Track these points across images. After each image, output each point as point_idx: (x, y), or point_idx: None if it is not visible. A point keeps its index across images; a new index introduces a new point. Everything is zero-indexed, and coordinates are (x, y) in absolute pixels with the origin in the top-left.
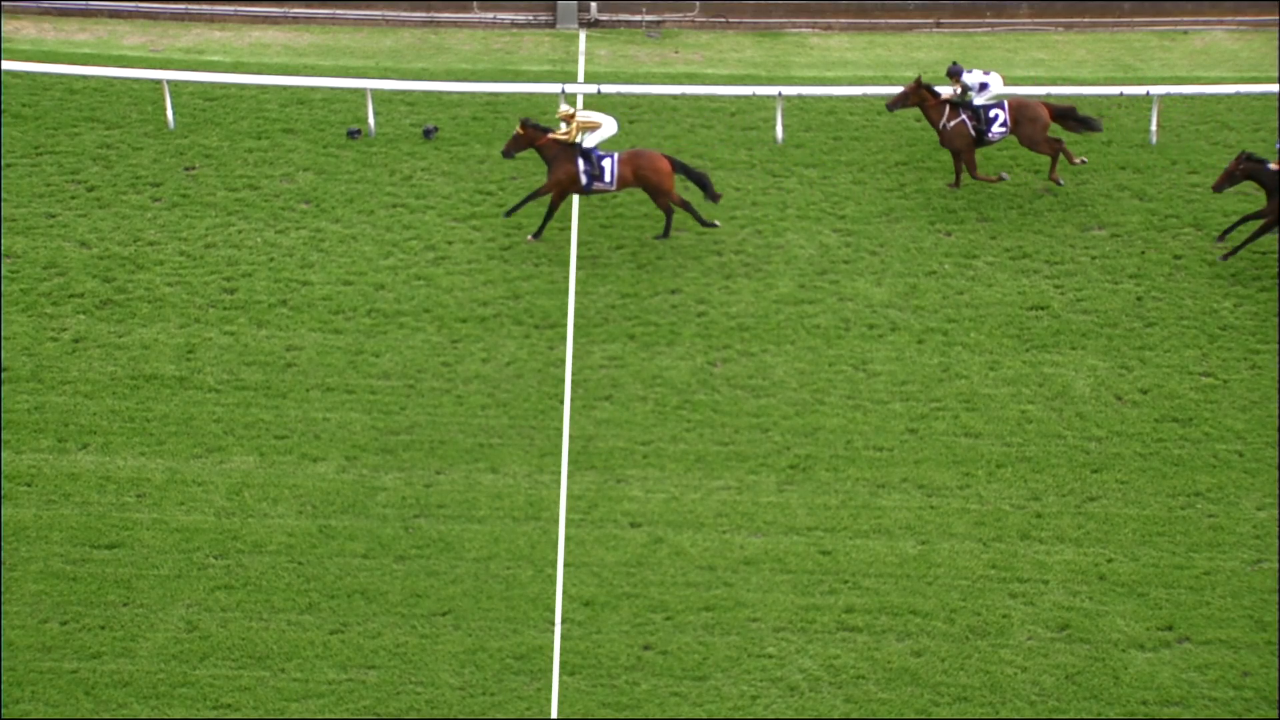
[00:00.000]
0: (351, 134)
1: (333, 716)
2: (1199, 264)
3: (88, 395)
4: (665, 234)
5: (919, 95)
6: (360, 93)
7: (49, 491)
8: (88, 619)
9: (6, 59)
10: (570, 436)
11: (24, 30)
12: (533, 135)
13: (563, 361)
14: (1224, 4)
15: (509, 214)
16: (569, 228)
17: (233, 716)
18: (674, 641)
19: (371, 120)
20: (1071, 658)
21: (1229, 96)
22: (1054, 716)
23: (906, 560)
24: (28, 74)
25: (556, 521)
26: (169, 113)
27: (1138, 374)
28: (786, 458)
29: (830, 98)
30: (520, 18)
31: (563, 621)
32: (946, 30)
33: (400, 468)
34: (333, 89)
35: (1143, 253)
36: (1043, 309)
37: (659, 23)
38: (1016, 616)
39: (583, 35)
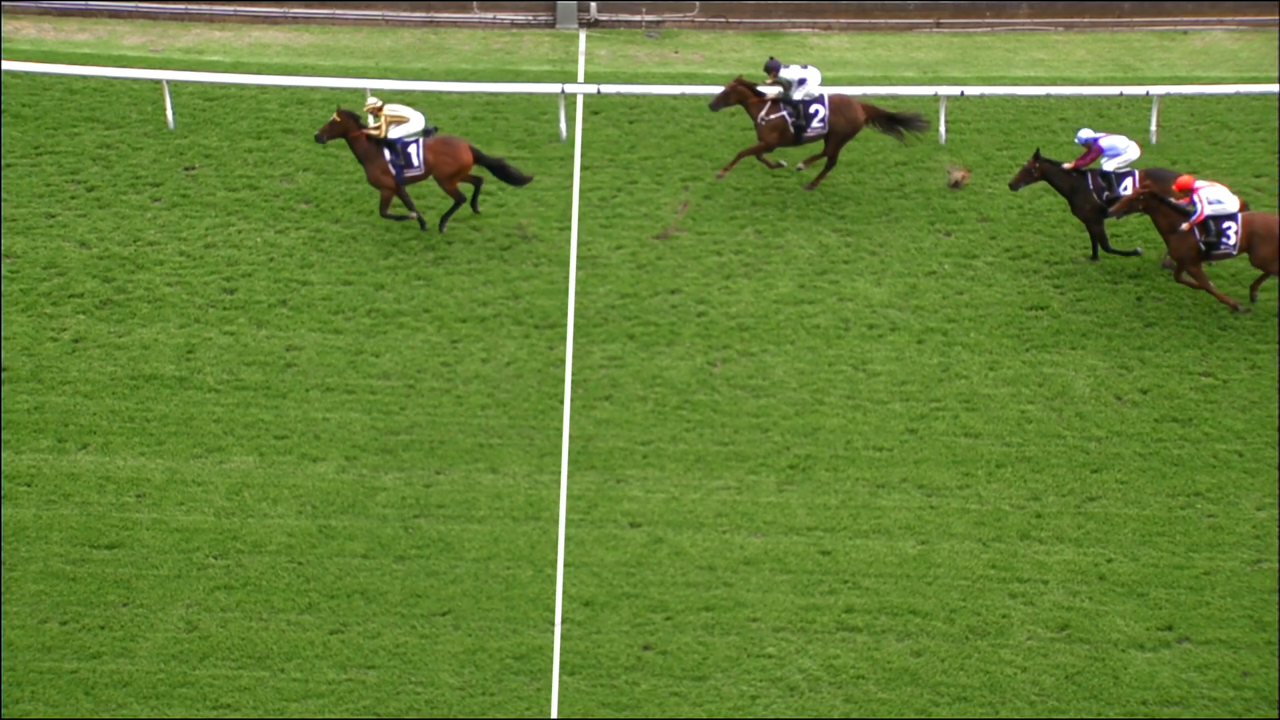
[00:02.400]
0: None
1: (333, 716)
2: None
3: (88, 395)
4: (440, 223)
5: (740, 93)
6: (360, 93)
7: (49, 491)
8: (88, 619)
9: (6, 59)
10: (570, 436)
11: (24, 30)
12: (347, 125)
13: (563, 361)
14: (1224, 4)
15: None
16: (569, 228)
17: (233, 716)
18: (674, 641)
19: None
20: (1071, 658)
21: (1229, 96)
22: (1054, 716)
23: (906, 560)
24: (28, 74)
25: (556, 521)
26: (169, 113)
27: (1138, 374)
28: (786, 458)
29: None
30: (520, 18)
31: (563, 621)
32: (946, 30)
33: (400, 468)
34: (333, 89)
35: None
36: (1043, 309)
37: (659, 23)
38: (1016, 616)
39: (583, 35)
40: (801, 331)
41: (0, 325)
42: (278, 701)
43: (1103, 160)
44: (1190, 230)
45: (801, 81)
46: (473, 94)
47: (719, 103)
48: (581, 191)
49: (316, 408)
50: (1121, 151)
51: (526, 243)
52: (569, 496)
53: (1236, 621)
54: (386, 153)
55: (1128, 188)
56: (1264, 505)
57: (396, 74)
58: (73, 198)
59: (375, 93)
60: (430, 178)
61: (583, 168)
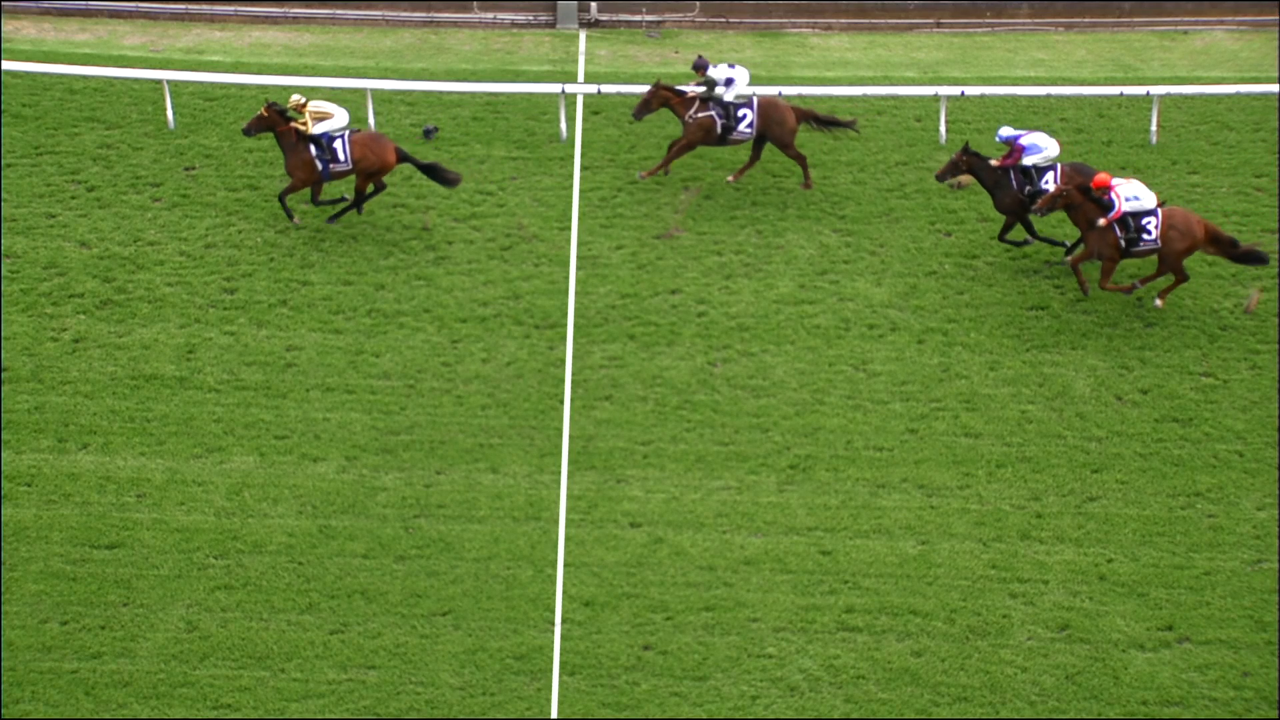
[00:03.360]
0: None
1: (333, 716)
2: (1199, 264)
3: (88, 395)
4: (348, 211)
5: (662, 97)
6: (360, 93)
7: (49, 491)
8: (88, 619)
9: (6, 59)
10: (570, 436)
11: (24, 30)
12: (274, 120)
13: (563, 361)
14: (1224, 4)
15: (291, 215)
16: (569, 228)
17: (233, 716)
18: (674, 641)
19: (372, 120)
20: (1071, 658)
21: (1229, 96)
22: (1054, 716)
23: (906, 560)
24: (28, 74)
25: (556, 521)
26: (169, 113)
27: (1138, 374)
28: (786, 458)
29: (830, 98)
30: (520, 18)
31: (563, 621)
32: (946, 30)
33: (400, 468)
34: (333, 89)
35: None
36: (1043, 309)
37: (659, 23)
38: (1016, 616)
39: (583, 35)
40: (801, 331)
41: (0, 325)
42: (278, 701)
43: (1024, 157)
44: (1109, 226)
45: (729, 81)
46: (473, 94)
47: (641, 110)
48: (581, 191)
49: (317, 408)
50: (1043, 149)
51: (527, 243)
52: (569, 496)
53: (1236, 621)
54: (312, 148)
55: (1050, 182)
56: (1264, 505)
57: (396, 74)
58: (73, 198)
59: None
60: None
61: (583, 168)
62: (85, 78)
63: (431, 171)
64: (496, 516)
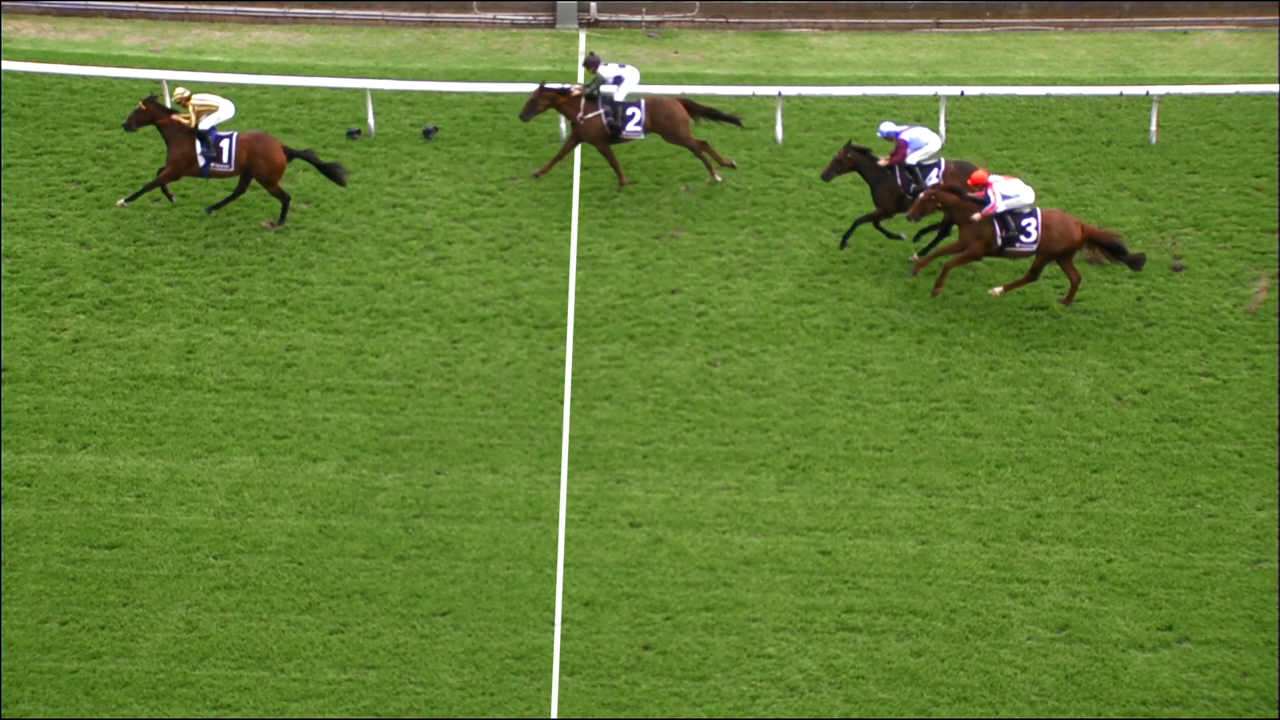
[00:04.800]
0: (351, 134)
1: (333, 716)
2: (1199, 264)
3: (88, 395)
4: (280, 220)
5: (549, 96)
6: (360, 93)
7: (49, 491)
8: (88, 619)
9: (6, 59)
10: (570, 436)
11: (24, 30)
12: (154, 112)
13: (563, 361)
14: (1224, 4)
15: (130, 199)
16: (569, 228)
17: (233, 716)
18: (674, 641)
19: (371, 120)
20: (1071, 658)
21: (1229, 96)
22: (1054, 716)
23: (906, 560)
24: (28, 74)
25: (556, 521)
26: None
27: (1138, 374)
28: (786, 458)
29: (830, 98)
30: (520, 18)
31: (563, 621)
32: (946, 30)
33: (400, 468)
34: (333, 89)
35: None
36: (1043, 309)
37: (659, 23)
38: (1016, 616)
39: (583, 35)
40: (801, 331)
41: (0, 325)
42: (278, 701)
43: (909, 154)
44: (986, 220)
45: (618, 80)
46: (473, 94)
47: (528, 112)
48: (581, 191)
49: (316, 408)
50: (924, 144)
51: (526, 243)
52: (569, 496)
53: (1236, 621)
54: (198, 144)
55: (933, 179)
56: (1264, 505)
57: (396, 74)
58: (73, 198)
59: (194, 84)
60: (243, 177)
61: (583, 168)
62: (85, 78)
63: (323, 168)
64: (496, 516)
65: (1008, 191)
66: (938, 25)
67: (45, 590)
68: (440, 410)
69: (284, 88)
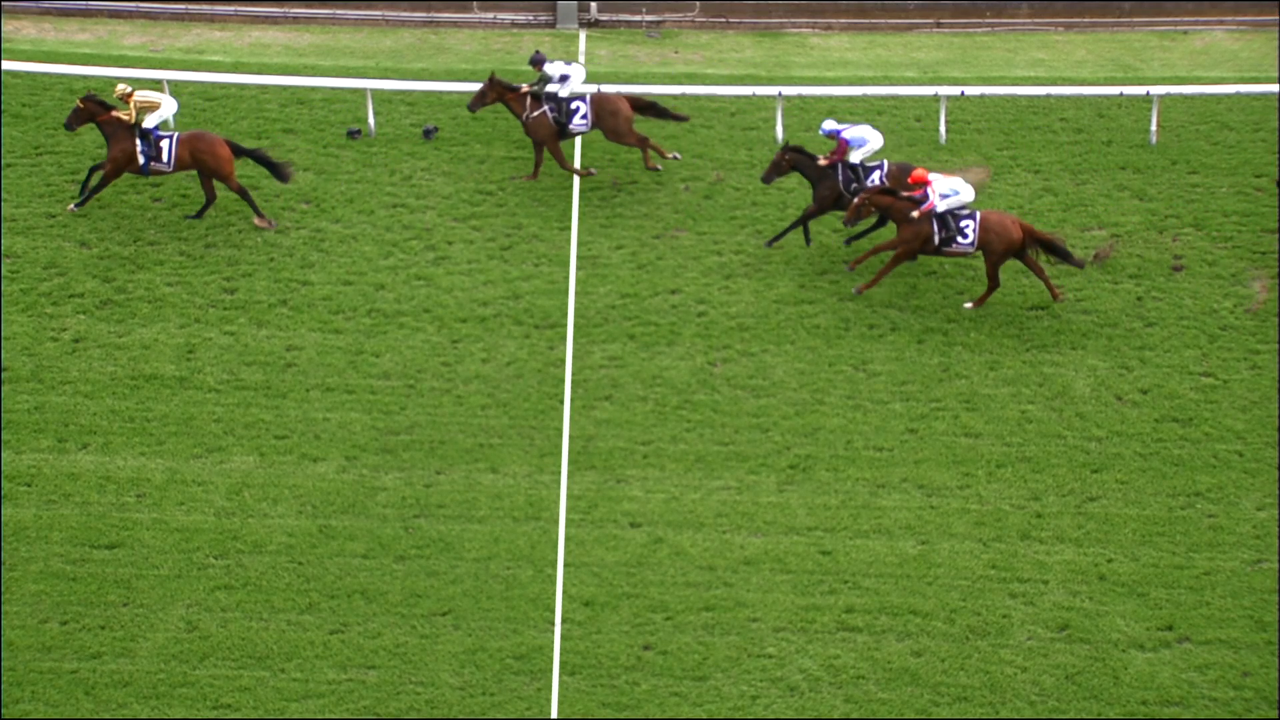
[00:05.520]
0: (351, 134)
1: (333, 716)
2: (1199, 264)
3: (88, 395)
4: (199, 215)
5: (496, 91)
6: (360, 93)
7: (49, 491)
8: (88, 619)
9: (6, 59)
10: (570, 436)
11: (24, 30)
12: (93, 110)
13: (563, 361)
14: (1224, 4)
15: (80, 204)
16: (569, 228)
17: (233, 716)
18: (674, 641)
19: (371, 120)
20: (1071, 658)
21: (1229, 96)
22: (1054, 716)
23: (906, 560)
24: (28, 74)
25: (556, 521)
26: None
27: (1138, 374)
28: (786, 458)
29: (830, 98)
30: (520, 18)
31: (563, 621)
32: (946, 30)
33: (400, 468)
34: (333, 89)
35: (1141, 254)
36: (1043, 309)
37: (659, 23)
38: (1016, 616)
39: (583, 35)
40: (801, 331)
41: (0, 325)
42: (278, 701)
43: (850, 153)
44: (925, 219)
45: (564, 78)
46: (473, 94)
47: (476, 103)
48: (581, 191)
49: (316, 408)
50: (866, 142)
51: (526, 243)
52: (569, 496)
53: (1236, 621)
54: (139, 142)
55: (875, 180)
56: (1264, 505)
57: (396, 74)
58: (73, 198)
59: (140, 84)
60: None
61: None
62: (85, 78)
63: (267, 164)
64: (496, 516)
65: (947, 190)
66: (938, 25)
67: (45, 590)
68: (440, 410)
69: (284, 88)
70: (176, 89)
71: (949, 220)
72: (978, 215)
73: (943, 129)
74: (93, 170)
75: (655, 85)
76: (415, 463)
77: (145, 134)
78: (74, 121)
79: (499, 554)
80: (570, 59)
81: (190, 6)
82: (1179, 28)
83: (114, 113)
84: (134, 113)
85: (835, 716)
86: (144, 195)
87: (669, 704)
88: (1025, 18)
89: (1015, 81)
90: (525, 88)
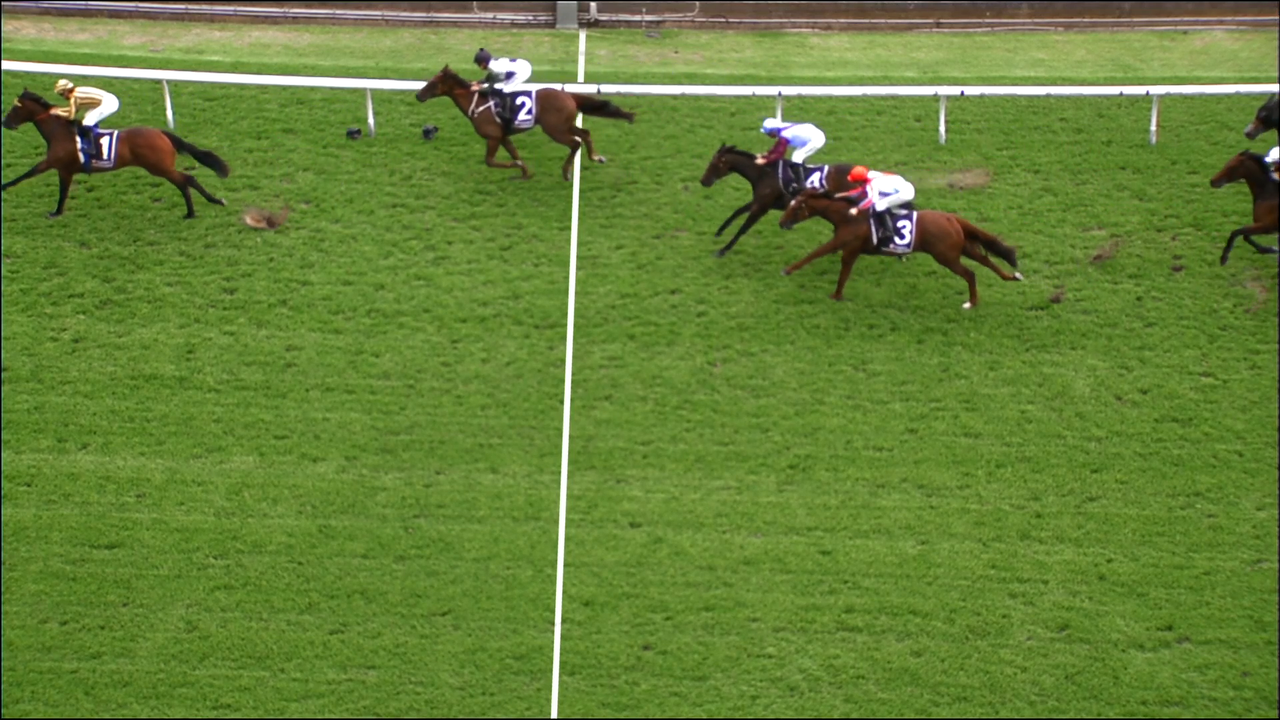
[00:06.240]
0: (351, 134)
1: (333, 716)
2: (1199, 264)
3: (88, 395)
4: (189, 212)
5: (447, 84)
6: (360, 93)
7: (49, 491)
8: (88, 619)
9: (6, 59)
10: (570, 436)
11: (24, 30)
12: (31, 109)
13: (563, 361)
14: (1224, 4)
15: (12, 185)
16: (569, 228)
17: (233, 716)
18: (674, 641)
19: (371, 120)
20: (1071, 658)
21: (1229, 96)
22: (1054, 716)
23: (906, 560)
24: (28, 74)
25: (556, 521)
26: (169, 113)
27: (1138, 374)
28: (786, 458)
29: (830, 98)
30: (520, 18)
31: (563, 621)
32: (946, 30)
33: (400, 468)
34: (333, 89)
35: (1141, 255)
36: (1042, 309)
37: (659, 23)
38: (1016, 616)
39: (583, 35)
40: (801, 331)
41: (0, 325)
42: (278, 701)
43: (792, 152)
44: (863, 219)
45: (510, 75)
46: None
47: (425, 93)
48: (581, 191)
49: (316, 408)
50: (807, 141)
51: (526, 243)
52: (569, 496)
53: (1236, 621)
54: (79, 140)
55: (815, 181)
56: (1264, 505)
57: (396, 74)
58: (73, 198)
59: (74, 78)
60: (127, 169)
61: (583, 168)
62: (85, 78)
63: (208, 159)
64: (496, 516)
65: (886, 188)
66: (938, 25)
67: (45, 590)
68: (440, 410)
69: (284, 88)
70: (176, 89)
71: (886, 220)
72: (914, 215)
73: (942, 129)
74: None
75: (655, 85)
76: (415, 463)
77: (85, 131)
78: (13, 120)
79: (499, 554)
80: (515, 55)
81: (190, 6)
82: (1179, 28)
83: (53, 110)
84: (74, 109)
85: (835, 716)
86: (144, 195)
87: (669, 704)
88: (1025, 18)
89: (1015, 81)
90: (475, 85)
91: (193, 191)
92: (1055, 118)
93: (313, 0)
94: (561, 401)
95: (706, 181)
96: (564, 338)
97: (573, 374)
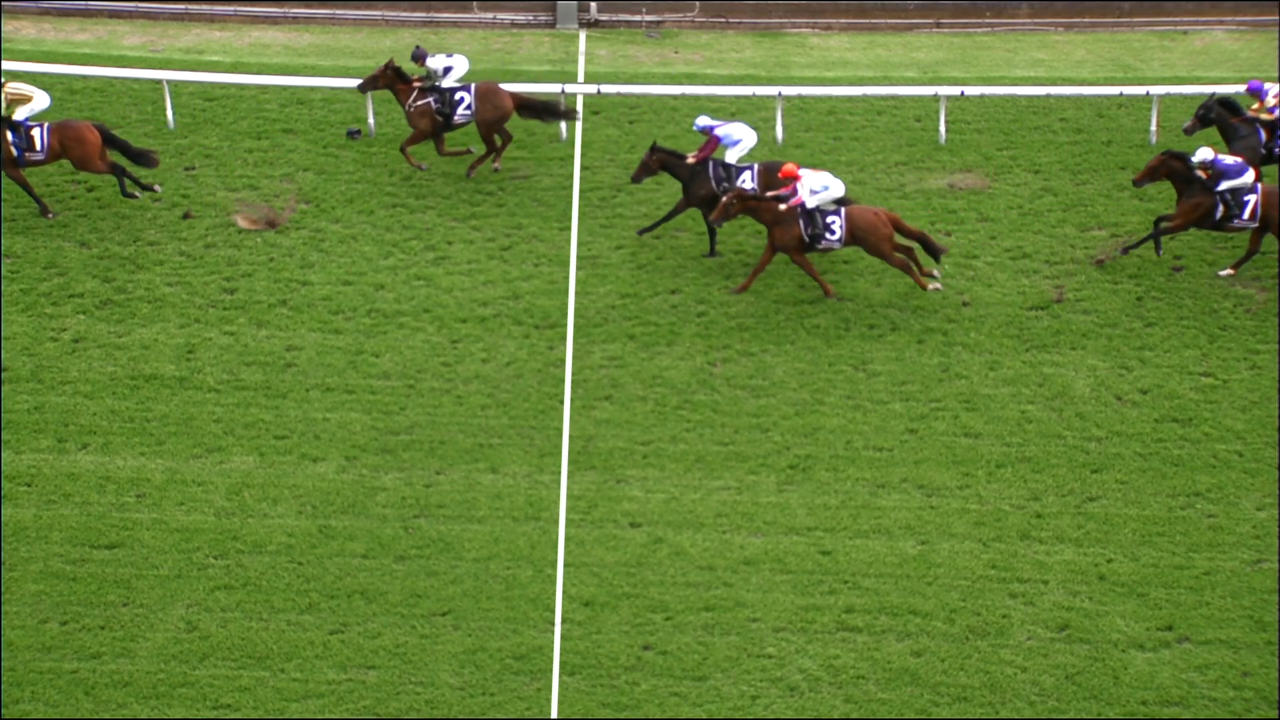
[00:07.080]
0: (351, 134)
1: (333, 716)
2: (1199, 264)
3: (88, 395)
4: (124, 191)
5: (388, 77)
6: (359, 94)
7: (49, 491)
8: (88, 619)
9: (6, 59)
10: (570, 436)
11: (24, 30)
12: None
13: (563, 361)
14: (1224, 4)
15: None
16: (569, 228)
17: (233, 716)
18: (674, 641)
19: (371, 120)
20: (1071, 658)
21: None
22: (1054, 716)
23: (906, 560)
24: (28, 74)
25: (556, 521)
26: (169, 113)
27: (1138, 374)
28: (786, 458)
29: (830, 98)
30: (520, 18)
31: (563, 621)
32: (946, 30)
33: (400, 468)
34: (333, 89)
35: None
36: (1043, 309)
37: (659, 23)
38: (1016, 616)
39: (583, 35)
40: (801, 331)
41: (0, 325)
42: (278, 701)
43: (725, 151)
44: (793, 219)
45: (447, 70)
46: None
47: (367, 85)
48: (581, 191)
49: (316, 408)
50: (739, 140)
51: (526, 243)
52: (569, 496)
53: (1236, 621)
54: (9, 134)
55: (746, 180)
56: (1264, 505)
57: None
58: (73, 198)
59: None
60: (60, 162)
61: (583, 168)
62: (85, 78)
63: (134, 154)
64: (496, 516)
65: (816, 185)
66: (938, 25)
67: (45, 590)
68: (440, 410)
69: (284, 88)
70: (176, 89)
71: (816, 217)
72: (843, 211)
73: (942, 129)
74: None
75: (655, 85)
76: (415, 463)
77: (15, 126)
78: None
79: (499, 554)
80: (452, 51)
81: (190, 6)
82: (1179, 28)
83: None
84: (3, 104)
85: (835, 716)
86: (144, 195)
87: (669, 704)
88: (1025, 18)
89: (1015, 81)
90: (416, 80)
91: (126, 179)
92: (1055, 118)
93: (313, 0)
94: (561, 401)
95: (636, 179)
96: (564, 338)
97: (573, 374)
